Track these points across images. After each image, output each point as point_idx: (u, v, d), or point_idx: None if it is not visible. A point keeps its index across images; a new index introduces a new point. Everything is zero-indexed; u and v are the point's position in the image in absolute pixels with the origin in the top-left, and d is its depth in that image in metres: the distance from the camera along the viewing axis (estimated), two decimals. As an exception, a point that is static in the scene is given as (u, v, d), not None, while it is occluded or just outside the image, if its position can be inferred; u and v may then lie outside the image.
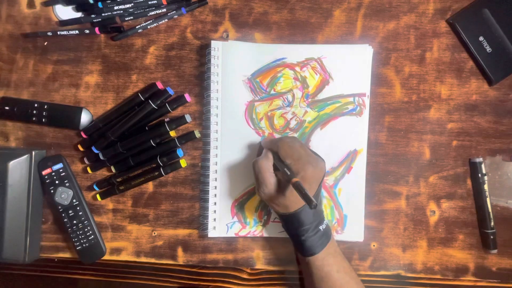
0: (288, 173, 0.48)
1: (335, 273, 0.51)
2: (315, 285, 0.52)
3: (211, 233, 0.59)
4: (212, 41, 0.58)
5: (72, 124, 0.59)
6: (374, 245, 0.59)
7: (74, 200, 0.59)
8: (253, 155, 0.59)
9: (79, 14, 0.60)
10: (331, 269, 0.51)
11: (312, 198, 0.44)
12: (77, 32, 0.60)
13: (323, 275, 0.51)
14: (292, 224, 0.51)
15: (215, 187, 0.59)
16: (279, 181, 0.50)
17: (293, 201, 0.49)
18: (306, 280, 0.55)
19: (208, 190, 0.59)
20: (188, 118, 0.58)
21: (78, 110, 0.59)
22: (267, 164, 0.50)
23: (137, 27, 0.59)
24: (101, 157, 0.59)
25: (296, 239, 0.51)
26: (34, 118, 0.60)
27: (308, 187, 0.48)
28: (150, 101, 0.57)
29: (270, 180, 0.50)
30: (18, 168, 0.58)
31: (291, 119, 0.58)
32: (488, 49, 0.56)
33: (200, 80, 0.60)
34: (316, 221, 0.51)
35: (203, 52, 0.59)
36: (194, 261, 0.61)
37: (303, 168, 0.48)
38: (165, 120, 0.59)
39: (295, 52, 0.58)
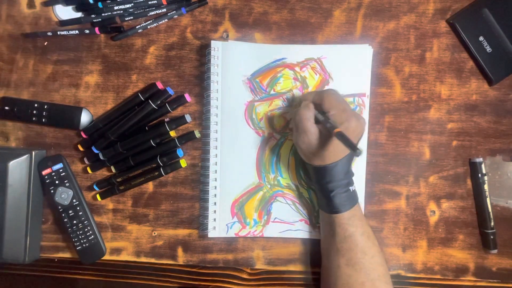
0: (331, 123, 0.47)
1: (359, 236, 0.50)
2: (335, 245, 0.51)
3: (211, 233, 0.59)
4: (212, 41, 0.58)
5: (72, 124, 0.59)
6: (374, 245, 0.59)
7: (74, 200, 0.59)
8: (252, 155, 0.59)
9: (79, 14, 0.60)
10: (355, 231, 0.50)
11: (356, 145, 0.43)
12: (77, 32, 0.60)
13: (346, 235, 0.50)
14: (324, 177, 0.50)
15: (215, 187, 0.59)
16: (320, 132, 0.49)
17: (331, 153, 0.49)
18: (326, 240, 0.54)
19: (208, 190, 0.59)
20: (188, 118, 0.58)
21: (78, 110, 0.59)
22: (308, 113, 0.50)
23: (137, 27, 0.59)
24: (101, 157, 0.59)
25: (326, 194, 0.51)
26: (34, 118, 0.60)
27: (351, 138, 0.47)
28: (150, 101, 0.57)
29: (311, 129, 0.49)
30: (18, 168, 0.58)
31: (291, 119, 0.58)
32: (488, 49, 0.56)
33: (200, 80, 0.60)
34: (347, 180, 0.51)
35: (203, 52, 0.59)
36: (194, 261, 0.61)
37: (347, 119, 0.48)
38: (165, 120, 0.59)
39: (295, 52, 0.58)
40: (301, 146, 0.51)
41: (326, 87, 0.58)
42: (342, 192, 0.50)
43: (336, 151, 0.48)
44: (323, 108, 0.50)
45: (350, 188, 0.51)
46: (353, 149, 0.43)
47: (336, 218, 0.51)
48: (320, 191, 0.52)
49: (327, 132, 0.48)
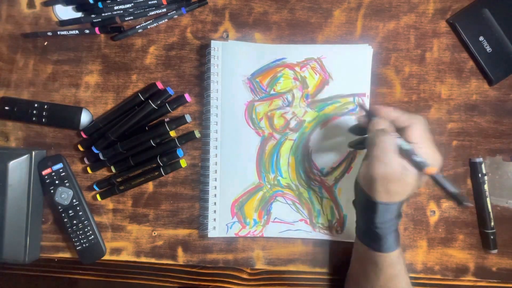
0: (421, 159, 0.42)
1: (405, 274, 0.48)
2: (379, 283, 0.48)
3: (211, 233, 0.59)
4: (212, 41, 0.58)
5: (72, 124, 0.59)
6: (374, 245, 0.59)
7: (74, 200, 0.59)
8: (252, 155, 0.59)
9: (79, 14, 0.60)
10: (402, 268, 0.48)
11: (463, 197, 0.40)
12: (77, 32, 0.60)
13: (394, 274, 0.48)
14: (382, 215, 0.45)
15: (215, 187, 0.59)
16: (403, 167, 0.43)
17: (401, 191, 0.44)
18: (365, 277, 0.50)
19: (208, 190, 0.59)
20: (188, 118, 0.58)
21: (78, 110, 0.59)
22: (392, 141, 0.43)
23: (137, 27, 0.59)
24: (101, 157, 0.59)
25: (378, 232, 0.46)
26: (34, 118, 0.60)
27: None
28: (150, 101, 0.57)
29: (394, 164, 0.43)
30: (18, 168, 0.58)
31: (291, 119, 0.58)
32: (488, 49, 0.56)
33: (200, 80, 0.60)
34: (398, 219, 0.47)
35: (203, 52, 0.59)
36: (194, 261, 0.61)
37: (434, 157, 0.43)
38: (165, 120, 0.59)
39: (295, 52, 0.58)
40: (374, 176, 0.44)
41: (326, 87, 0.58)
42: (394, 230, 0.47)
43: (406, 189, 0.44)
44: (408, 135, 0.44)
45: (397, 225, 0.47)
46: (459, 202, 0.40)
47: (386, 257, 0.47)
48: (370, 225, 0.47)
49: (413, 166, 0.43)
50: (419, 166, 0.43)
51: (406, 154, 0.43)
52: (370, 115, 0.47)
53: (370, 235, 0.48)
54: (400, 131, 0.45)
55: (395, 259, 0.47)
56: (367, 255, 0.49)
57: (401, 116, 0.45)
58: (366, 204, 0.47)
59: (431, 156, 0.44)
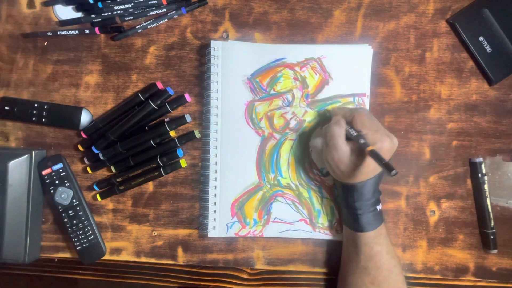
0: (363, 141, 0.47)
1: (385, 254, 0.51)
2: (360, 263, 0.51)
3: (211, 233, 0.59)
4: (212, 41, 0.58)
5: (72, 124, 0.59)
6: (374, 245, 0.59)
7: (74, 200, 0.59)
8: (252, 155, 0.59)
9: (79, 14, 0.60)
10: (381, 249, 0.51)
11: (391, 165, 0.43)
12: (77, 32, 0.60)
13: (372, 254, 0.51)
14: (352, 195, 0.50)
15: (215, 187, 0.59)
16: (351, 150, 0.49)
17: (361, 171, 0.48)
18: (349, 257, 0.54)
19: (208, 190, 0.59)
20: (188, 118, 0.58)
21: (78, 110, 0.59)
22: (340, 130, 0.50)
23: (137, 27, 0.59)
24: (101, 157, 0.59)
25: (352, 212, 0.51)
26: (34, 118, 0.60)
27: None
28: (150, 101, 0.57)
29: (342, 147, 0.49)
30: (18, 168, 0.58)
31: (290, 119, 0.58)
32: (488, 49, 0.56)
33: (200, 80, 0.60)
34: (375, 199, 0.51)
35: (203, 52, 0.59)
36: (194, 261, 0.61)
37: (380, 139, 0.48)
38: (165, 120, 0.59)
39: (295, 52, 0.58)
40: (331, 163, 0.50)
41: (326, 87, 0.58)
42: (369, 212, 0.50)
43: (366, 170, 0.48)
44: (355, 126, 0.50)
45: (377, 207, 0.51)
46: (389, 170, 0.43)
47: (362, 236, 0.51)
48: (346, 208, 0.53)
49: (359, 150, 0.48)
50: (362, 147, 0.47)
51: (353, 139, 0.49)
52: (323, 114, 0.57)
53: (346, 214, 0.53)
54: (349, 123, 0.51)
55: (371, 239, 0.51)
56: (349, 236, 0.54)
57: (346, 112, 0.52)
58: (337, 186, 0.54)
59: (377, 138, 0.48)
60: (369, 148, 0.46)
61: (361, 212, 0.50)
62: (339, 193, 0.54)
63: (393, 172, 0.43)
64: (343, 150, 0.49)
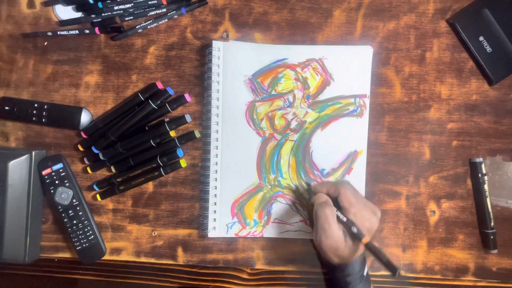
0: (356, 230, 0.48)
1: None
2: None
3: (211, 233, 0.59)
4: (213, 41, 0.58)
5: (72, 124, 0.59)
6: (374, 245, 0.59)
7: (74, 200, 0.59)
8: (253, 155, 0.59)
9: (79, 14, 0.60)
10: None
11: (395, 265, 0.44)
12: (77, 32, 0.60)
13: None
14: (342, 272, 0.51)
15: (215, 187, 0.59)
16: (343, 232, 0.49)
17: (351, 253, 0.49)
18: None
19: (208, 190, 0.59)
20: (188, 118, 0.58)
21: (78, 110, 0.59)
22: (332, 212, 0.49)
23: (137, 27, 0.59)
24: (101, 157, 0.59)
25: (343, 285, 0.52)
26: (34, 118, 0.60)
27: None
28: (150, 101, 0.57)
29: (335, 232, 0.48)
30: (18, 168, 0.58)
31: (291, 119, 0.58)
32: (488, 49, 0.56)
33: (200, 80, 0.60)
34: (363, 269, 0.52)
35: (203, 52, 0.59)
36: (194, 261, 0.61)
37: (369, 219, 0.49)
38: (165, 120, 0.59)
39: (296, 52, 0.58)
40: (321, 245, 0.50)
41: (327, 88, 0.58)
42: (358, 283, 0.51)
43: (357, 250, 0.49)
44: (341, 203, 0.50)
45: (364, 273, 0.52)
46: (392, 271, 0.44)
47: None
48: (336, 283, 0.53)
49: (352, 236, 0.48)
50: (356, 237, 0.48)
51: (344, 225, 0.49)
52: (311, 192, 0.56)
53: (335, 284, 0.54)
54: (333, 198, 0.51)
55: None
56: None
57: (330, 188, 0.52)
58: (325, 262, 0.54)
59: (366, 218, 0.49)
60: (364, 241, 0.47)
61: (352, 286, 0.51)
62: (327, 267, 0.56)
63: (397, 272, 0.43)
64: (335, 234, 0.48)
